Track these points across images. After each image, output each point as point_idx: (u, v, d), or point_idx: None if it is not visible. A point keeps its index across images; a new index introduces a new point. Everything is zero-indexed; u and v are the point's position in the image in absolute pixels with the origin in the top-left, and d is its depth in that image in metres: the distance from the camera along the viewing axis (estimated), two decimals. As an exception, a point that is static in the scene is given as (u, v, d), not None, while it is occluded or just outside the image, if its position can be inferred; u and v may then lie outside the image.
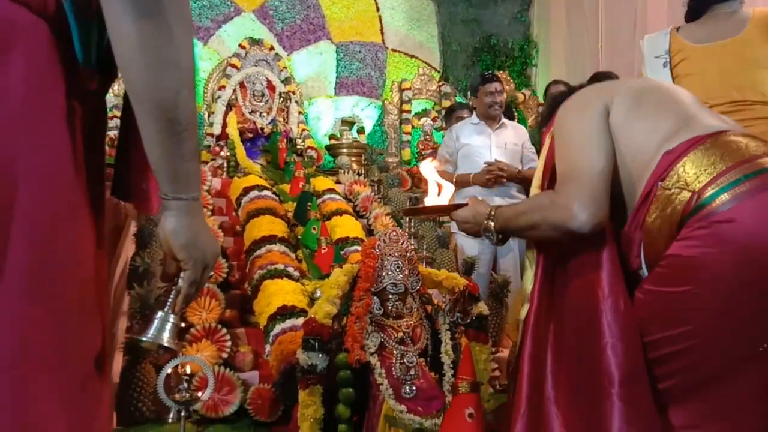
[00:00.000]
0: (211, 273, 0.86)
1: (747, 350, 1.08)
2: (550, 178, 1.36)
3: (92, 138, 0.77)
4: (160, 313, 0.84)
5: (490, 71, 3.90)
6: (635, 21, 5.69)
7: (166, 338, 0.83)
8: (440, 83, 6.43)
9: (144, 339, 0.83)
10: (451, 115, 4.35)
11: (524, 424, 1.24)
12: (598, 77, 3.20)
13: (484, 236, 1.38)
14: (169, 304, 0.84)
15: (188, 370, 1.94)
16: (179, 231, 0.80)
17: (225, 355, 2.26)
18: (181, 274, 0.83)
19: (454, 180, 3.48)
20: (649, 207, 1.19)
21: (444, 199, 1.55)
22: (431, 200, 1.57)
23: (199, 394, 1.92)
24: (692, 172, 1.14)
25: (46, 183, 0.67)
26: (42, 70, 0.68)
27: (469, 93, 5.61)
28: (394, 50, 6.63)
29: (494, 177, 3.26)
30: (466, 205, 1.45)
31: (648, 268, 1.21)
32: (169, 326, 0.83)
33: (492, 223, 1.34)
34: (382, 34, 6.60)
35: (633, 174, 1.24)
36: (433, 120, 6.11)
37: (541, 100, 5.56)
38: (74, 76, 0.72)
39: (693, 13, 2.05)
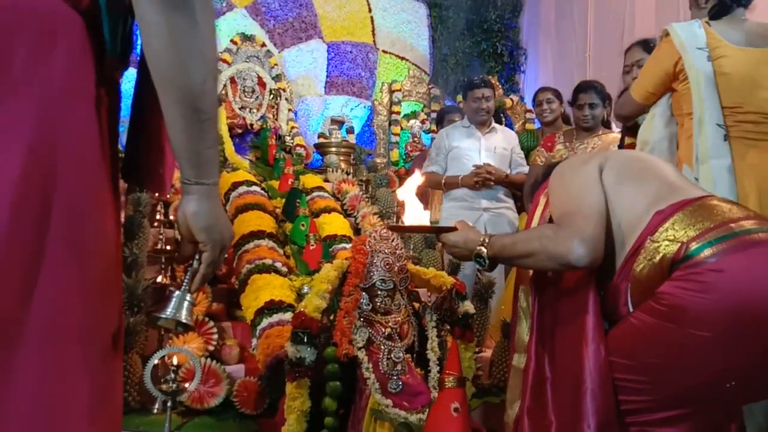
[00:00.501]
0: (226, 254, 0.91)
1: (716, 388, 1.20)
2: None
3: (113, 124, 0.81)
4: (177, 293, 0.88)
5: (480, 76, 3.93)
6: (623, 31, 5.80)
7: (184, 315, 0.87)
8: (430, 86, 6.48)
9: (164, 316, 0.88)
10: (442, 119, 4.40)
11: None
12: (581, 88, 3.28)
13: (475, 261, 1.45)
14: (185, 283, 0.88)
15: (175, 360, 1.95)
16: (201, 214, 0.83)
17: (211, 348, 2.27)
18: (197, 256, 0.87)
19: (444, 182, 3.52)
20: (637, 258, 1.28)
21: (424, 219, 1.58)
22: (411, 219, 1.59)
23: (186, 385, 1.93)
24: (681, 228, 1.24)
25: (81, 167, 0.71)
26: (78, 62, 0.72)
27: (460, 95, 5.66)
28: (385, 51, 6.66)
29: (482, 180, 3.30)
30: (455, 229, 1.52)
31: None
32: (186, 304, 0.88)
33: (485, 250, 1.42)
34: (374, 35, 6.63)
35: (622, 231, 1.34)
36: (422, 122, 6.16)
37: (528, 106, 5.63)
38: (102, 65, 0.76)
39: (721, 11, 2.04)
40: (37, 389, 0.65)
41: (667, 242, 1.24)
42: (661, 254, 1.25)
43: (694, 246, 1.20)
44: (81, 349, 0.69)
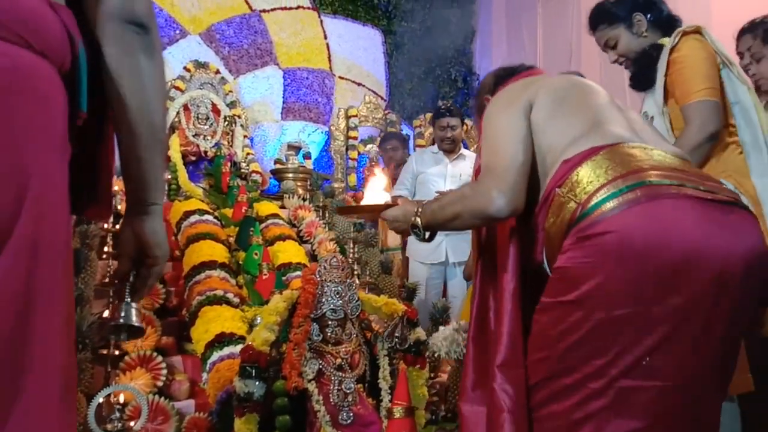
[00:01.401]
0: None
1: (630, 359, 1.09)
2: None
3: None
4: (122, 304, 0.95)
5: (446, 104, 4.03)
6: (570, 56, 6.02)
7: (134, 319, 0.95)
8: (386, 111, 6.55)
9: (117, 322, 0.94)
10: (382, 145, 4.47)
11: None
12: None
13: (413, 233, 1.43)
14: (128, 294, 0.96)
15: (121, 399, 1.89)
16: (158, 232, 0.94)
17: (160, 384, 2.21)
18: (133, 272, 0.95)
19: None
20: (547, 211, 1.26)
21: (378, 201, 1.59)
22: (366, 201, 1.62)
23: (132, 424, 1.88)
24: (584, 181, 1.20)
25: (59, 211, 0.78)
26: (62, 119, 0.79)
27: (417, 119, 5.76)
28: (341, 77, 6.72)
29: None
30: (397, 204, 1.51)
31: (549, 269, 1.27)
32: (134, 311, 0.95)
33: (419, 219, 1.39)
34: (330, 61, 6.68)
35: (542, 173, 1.31)
36: (378, 147, 6.20)
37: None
38: (74, 120, 0.83)
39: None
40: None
41: (568, 198, 1.20)
42: (563, 213, 1.21)
43: (590, 203, 1.15)
44: (58, 383, 0.75)
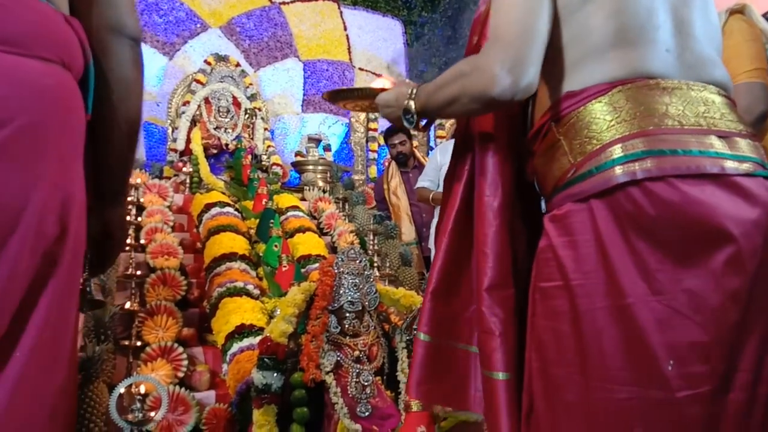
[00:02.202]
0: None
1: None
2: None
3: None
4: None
5: None
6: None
7: (93, 291, 1.08)
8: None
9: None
10: (389, 139, 4.48)
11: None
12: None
13: (404, 120, 1.12)
14: (86, 272, 1.04)
15: (142, 389, 1.90)
16: (123, 216, 1.09)
17: (181, 375, 2.23)
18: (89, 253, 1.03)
19: (431, 197, 3.57)
20: (540, 144, 1.03)
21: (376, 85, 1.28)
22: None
23: (153, 414, 1.89)
24: (587, 129, 0.94)
25: (79, 208, 0.87)
26: (83, 127, 0.88)
27: None
28: (361, 69, 6.70)
29: None
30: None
31: (542, 198, 1.10)
32: (92, 284, 1.08)
33: (412, 103, 1.09)
34: (350, 53, 6.67)
35: (550, 74, 1.00)
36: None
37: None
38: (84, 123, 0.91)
39: None
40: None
41: (564, 144, 0.96)
42: (555, 159, 0.98)
43: (593, 164, 0.91)
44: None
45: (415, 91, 1.09)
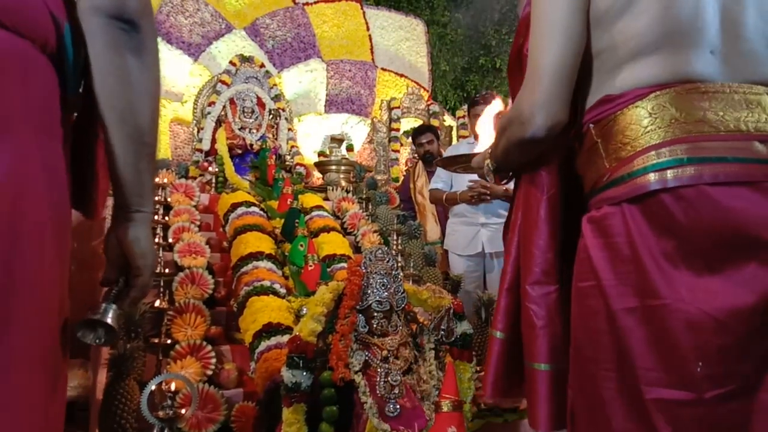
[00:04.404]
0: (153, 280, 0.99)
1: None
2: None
3: (68, 163, 0.84)
4: (104, 304, 0.88)
5: (483, 92, 4.03)
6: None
7: (110, 319, 0.87)
8: (429, 102, 6.50)
9: (89, 317, 0.87)
10: (417, 139, 4.49)
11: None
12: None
13: (487, 177, 1.26)
14: (111, 297, 0.90)
15: (172, 387, 1.93)
16: (141, 240, 0.89)
17: (209, 373, 2.25)
18: (121, 279, 0.90)
19: (444, 197, 3.56)
20: (579, 145, 1.05)
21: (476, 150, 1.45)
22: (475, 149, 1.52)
23: (183, 411, 1.91)
24: (625, 131, 0.95)
25: (47, 202, 0.75)
26: (48, 101, 0.76)
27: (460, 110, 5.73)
28: (383, 69, 6.71)
29: (477, 194, 3.30)
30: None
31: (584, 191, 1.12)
32: (112, 311, 0.88)
33: (489, 162, 1.22)
34: (372, 53, 6.68)
35: (586, 80, 1.03)
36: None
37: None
38: (66, 106, 0.80)
39: None
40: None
41: (601, 147, 0.97)
42: (592, 161, 1.00)
43: (630, 168, 0.92)
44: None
45: (490, 151, 1.20)
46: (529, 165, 1.13)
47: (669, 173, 0.88)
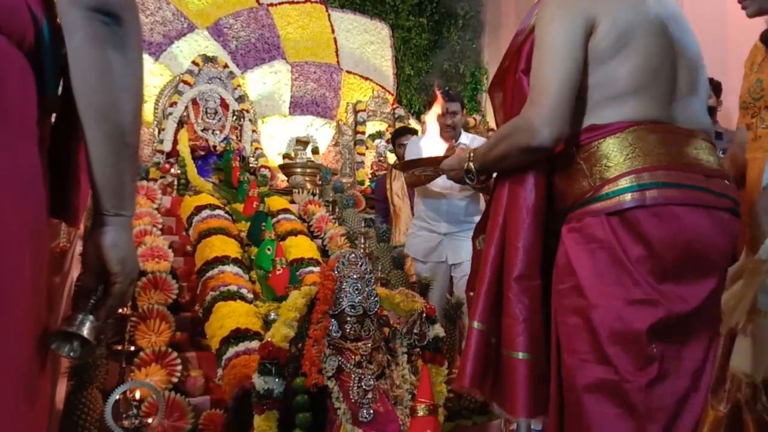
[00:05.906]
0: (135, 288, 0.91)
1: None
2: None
3: (45, 164, 0.79)
4: (80, 315, 0.82)
5: (446, 89, 3.98)
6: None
7: (86, 331, 0.80)
8: (394, 106, 6.52)
9: (64, 329, 0.80)
10: (397, 140, 4.47)
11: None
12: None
13: (467, 179, 1.40)
14: (89, 307, 0.83)
15: (137, 395, 1.87)
16: (119, 246, 0.83)
17: (175, 380, 2.19)
18: (99, 288, 0.84)
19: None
20: (561, 165, 1.25)
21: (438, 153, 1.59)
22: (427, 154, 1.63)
23: (149, 420, 1.86)
24: (604, 159, 1.17)
25: (25, 205, 0.72)
26: (24, 100, 0.72)
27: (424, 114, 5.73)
28: (348, 72, 6.69)
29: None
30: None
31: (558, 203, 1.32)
32: (89, 324, 0.81)
33: (472, 164, 1.37)
34: (337, 55, 6.66)
35: (579, 109, 1.22)
36: (387, 142, 6.18)
37: (491, 125, 5.72)
38: (44, 105, 0.76)
39: None
40: None
41: (583, 171, 1.20)
42: (574, 180, 1.21)
43: (603, 190, 1.15)
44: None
45: (471, 154, 1.37)
46: (517, 170, 1.28)
47: (646, 193, 1.11)
